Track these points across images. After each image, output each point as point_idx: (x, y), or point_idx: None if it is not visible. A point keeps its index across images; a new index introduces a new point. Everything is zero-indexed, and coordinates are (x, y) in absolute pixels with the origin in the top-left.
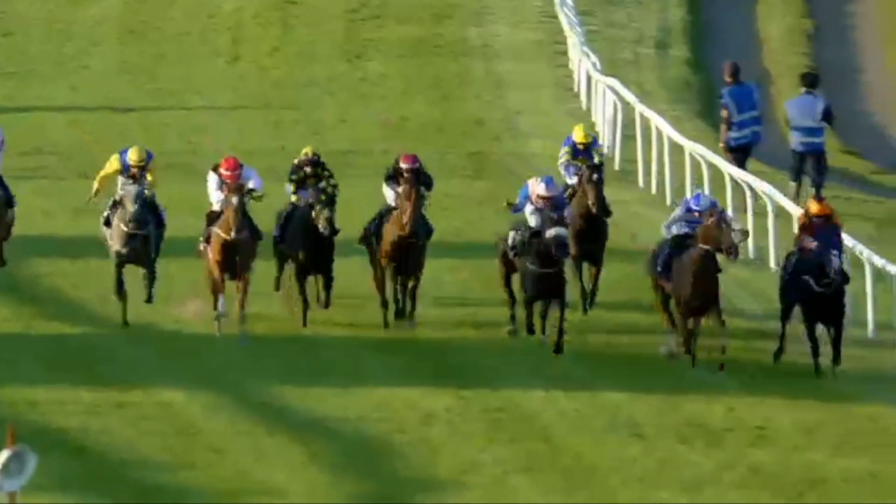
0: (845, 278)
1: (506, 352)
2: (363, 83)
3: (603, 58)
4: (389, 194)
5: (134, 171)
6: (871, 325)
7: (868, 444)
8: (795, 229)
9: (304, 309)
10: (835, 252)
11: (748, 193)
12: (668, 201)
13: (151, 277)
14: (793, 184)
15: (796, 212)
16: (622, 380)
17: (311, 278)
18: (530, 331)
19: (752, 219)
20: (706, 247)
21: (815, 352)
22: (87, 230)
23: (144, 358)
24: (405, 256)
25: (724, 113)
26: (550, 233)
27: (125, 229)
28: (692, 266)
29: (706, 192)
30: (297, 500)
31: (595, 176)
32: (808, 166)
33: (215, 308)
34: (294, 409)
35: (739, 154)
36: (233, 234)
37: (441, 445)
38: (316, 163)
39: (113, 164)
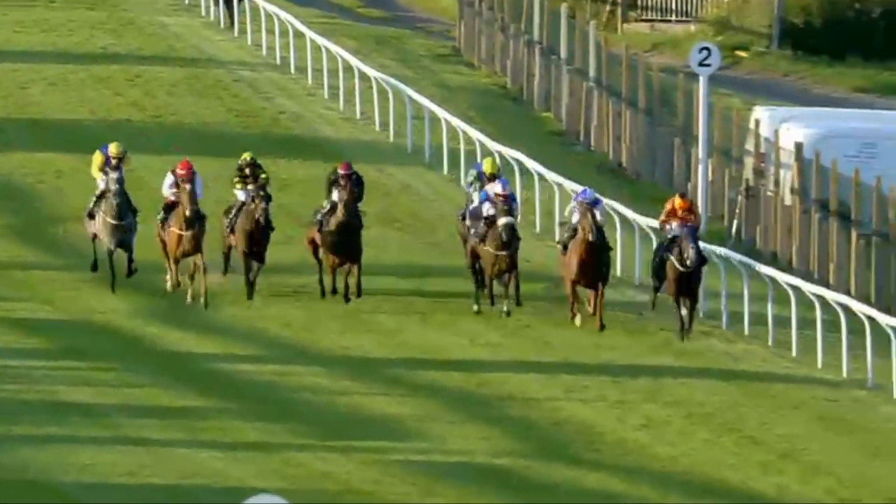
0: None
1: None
2: None
3: None
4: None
5: (114, 162)
6: None
7: None
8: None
9: (249, 285)
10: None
11: None
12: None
13: (130, 258)
14: None
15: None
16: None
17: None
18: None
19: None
20: (583, 233)
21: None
22: None
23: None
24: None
25: None
26: (501, 221)
27: (112, 222)
28: (577, 248)
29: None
30: None
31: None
32: None
33: (174, 279)
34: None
35: None
36: (188, 212)
37: None
38: (253, 164)
39: (98, 157)
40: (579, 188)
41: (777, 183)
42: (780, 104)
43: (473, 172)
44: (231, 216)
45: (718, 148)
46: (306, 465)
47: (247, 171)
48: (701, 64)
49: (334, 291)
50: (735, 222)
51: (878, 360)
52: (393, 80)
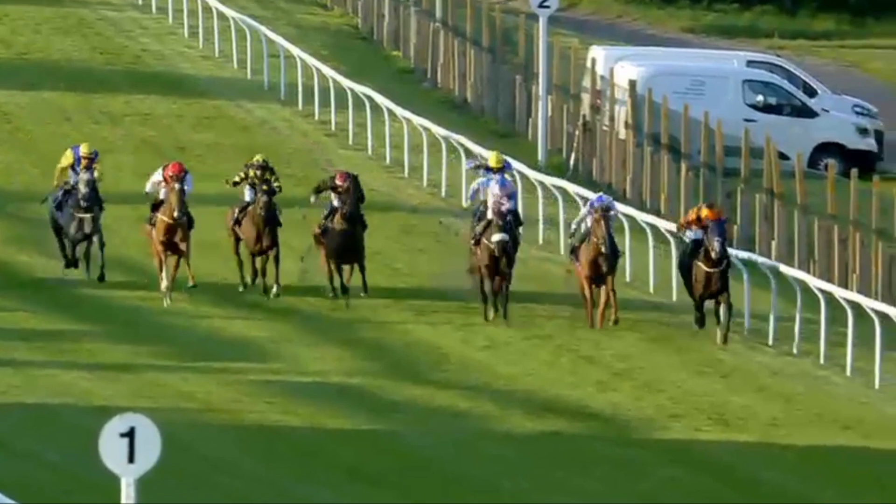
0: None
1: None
2: None
3: None
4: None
5: (85, 162)
6: None
7: None
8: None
9: (253, 276)
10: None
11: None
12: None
13: (101, 246)
14: None
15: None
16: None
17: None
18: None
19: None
20: (595, 239)
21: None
22: None
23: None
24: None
25: None
26: (496, 238)
27: (77, 214)
28: (590, 252)
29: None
30: None
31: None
32: None
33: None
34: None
35: None
36: (175, 214)
37: None
38: (264, 167)
39: (67, 157)
40: (427, 122)
41: (612, 118)
42: (614, 44)
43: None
44: (237, 214)
45: (557, 85)
46: (169, 385)
47: (257, 172)
48: (541, 5)
49: (344, 290)
50: (573, 156)
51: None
52: (250, 20)
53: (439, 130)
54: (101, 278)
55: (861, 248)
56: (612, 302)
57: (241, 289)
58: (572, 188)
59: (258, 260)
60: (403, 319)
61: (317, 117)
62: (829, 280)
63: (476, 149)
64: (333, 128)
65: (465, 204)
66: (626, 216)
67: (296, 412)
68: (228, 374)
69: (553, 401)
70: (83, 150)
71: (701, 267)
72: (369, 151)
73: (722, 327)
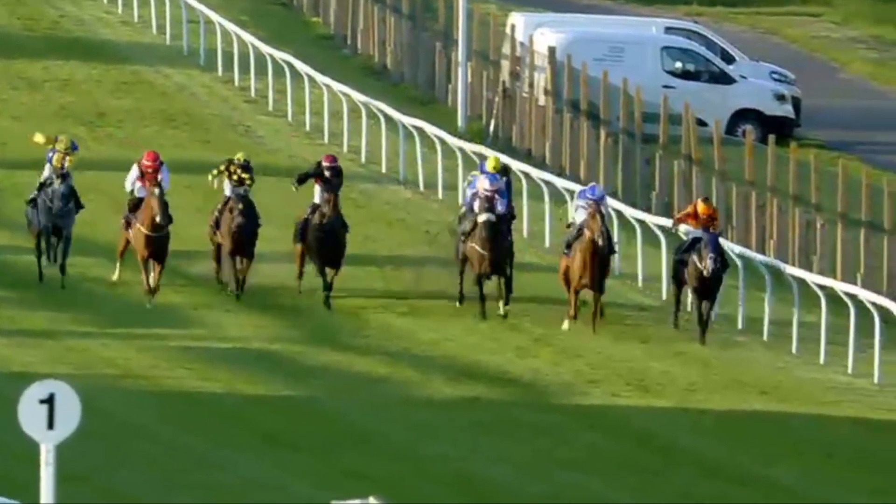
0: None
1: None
2: None
3: None
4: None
5: (59, 155)
6: None
7: None
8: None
9: (234, 278)
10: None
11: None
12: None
13: (67, 245)
14: None
15: None
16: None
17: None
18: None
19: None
20: (589, 233)
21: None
22: None
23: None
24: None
25: None
26: (481, 217)
27: (50, 205)
28: (583, 250)
29: None
30: None
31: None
32: None
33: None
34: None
35: None
36: (158, 218)
37: None
38: (245, 167)
39: (48, 139)
40: (347, 89)
41: (532, 85)
42: (534, 11)
43: (471, 179)
44: (217, 213)
45: (477, 52)
46: (89, 351)
47: (238, 170)
48: None
49: (321, 288)
50: (492, 122)
51: (626, 249)
52: None
53: (359, 97)
54: (63, 270)
55: (778, 214)
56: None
57: (224, 289)
58: (492, 154)
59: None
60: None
61: (236, 83)
62: (747, 245)
63: (396, 115)
64: (253, 94)
65: (462, 209)
66: (545, 181)
67: (215, 378)
68: (149, 340)
69: (473, 366)
70: (60, 145)
71: (696, 268)
72: (289, 118)
73: (701, 325)
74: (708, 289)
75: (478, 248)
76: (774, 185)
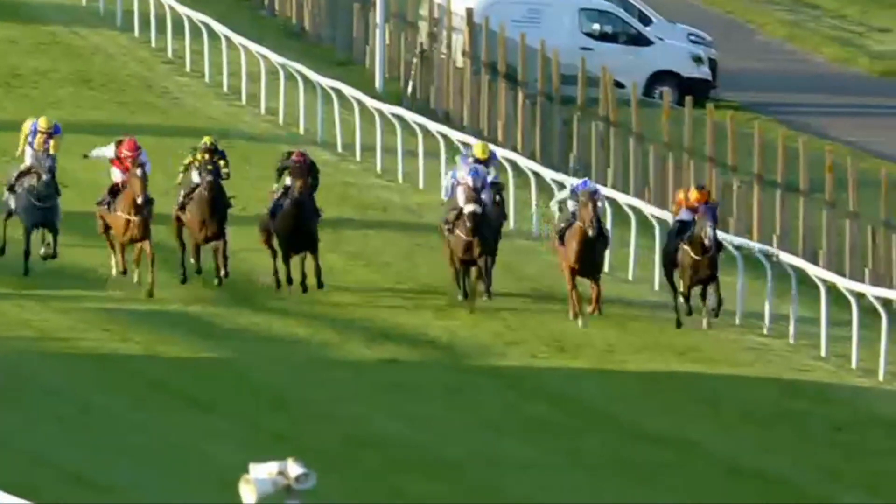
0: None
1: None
2: None
3: None
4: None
5: (41, 136)
6: None
7: None
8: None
9: (217, 265)
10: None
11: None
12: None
13: (54, 236)
14: None
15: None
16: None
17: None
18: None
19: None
20: (580, 224)
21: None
22: None
23: None
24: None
25: None
26: (467, 208)
27: (36, 203)
28: (575, 238)
29: None
30: None
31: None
32: None
33: (120, 267)
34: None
35: None
36: (139, 199)
37: None
38: (212, 150)
39: (25, 128)
40: (264, 50)
41: (449, 46)
42: None
43: (457, 164)
44: (183, 197)
45: (395, 13)
46: (5, 313)
47: (204, 156)
48: None
49: (289, 281)
50: (410, 83)
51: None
52: None
53: (277, 58)
54: (54, 256)
55: (695, 176)
56: (597, 292)
57: (181, 280)
58: (410, 116)
59: (203, 250)
60: (242, 247)
61: (153, 44)
62: (664, 208)
63: (313, 76)
64: (170, 55)
65: (444, 200)
66: (534, 172)
67: (133, 340)
68: (66, 301)
69: (391, 328)
70: (42, 124)
71: (688, 253)
72: (206, 79)
73: (709, 314)
74: (708, 272)
75: (463, 236)
76: (692, 146)
